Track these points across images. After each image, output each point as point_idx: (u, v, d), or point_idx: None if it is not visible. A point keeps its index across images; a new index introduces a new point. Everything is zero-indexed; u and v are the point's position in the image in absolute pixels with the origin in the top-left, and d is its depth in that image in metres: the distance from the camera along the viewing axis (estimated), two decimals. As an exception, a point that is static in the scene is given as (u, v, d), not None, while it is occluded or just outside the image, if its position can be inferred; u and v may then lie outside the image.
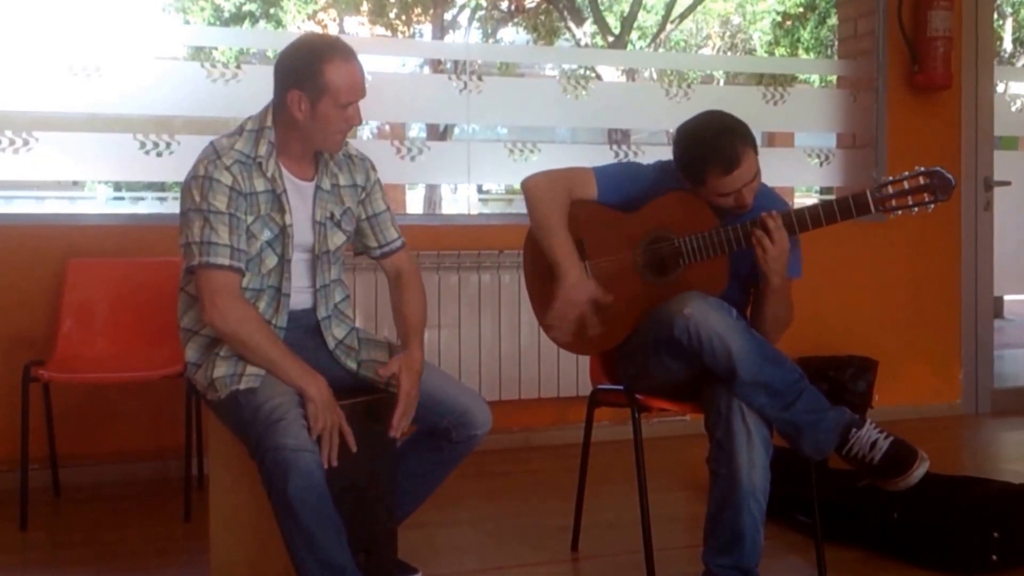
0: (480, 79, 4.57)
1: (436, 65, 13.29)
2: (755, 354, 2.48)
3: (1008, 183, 5.26)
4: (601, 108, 4.92)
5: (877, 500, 3.01)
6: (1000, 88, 5.39)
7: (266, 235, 2.45)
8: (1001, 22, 14.23)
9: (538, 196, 2.78)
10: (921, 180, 2.59)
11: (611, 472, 3.50)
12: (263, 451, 2.24)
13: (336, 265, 2.62)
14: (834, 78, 5.80)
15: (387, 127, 14.36)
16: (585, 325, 2.69)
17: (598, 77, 11.88)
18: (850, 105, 5.17)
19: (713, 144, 2.62)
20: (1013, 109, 5.65)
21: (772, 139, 7.82)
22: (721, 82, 14.97)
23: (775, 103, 5.01)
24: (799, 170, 5.26)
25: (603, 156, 4.77)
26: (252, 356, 2.37)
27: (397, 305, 2.68)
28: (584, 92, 4.78)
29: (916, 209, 2.61)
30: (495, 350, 4.37)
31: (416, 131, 16.20)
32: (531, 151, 4.61)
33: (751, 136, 2.67)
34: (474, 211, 15.53)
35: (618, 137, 10.39)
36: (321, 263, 2.56)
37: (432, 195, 16.84)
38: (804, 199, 15.03)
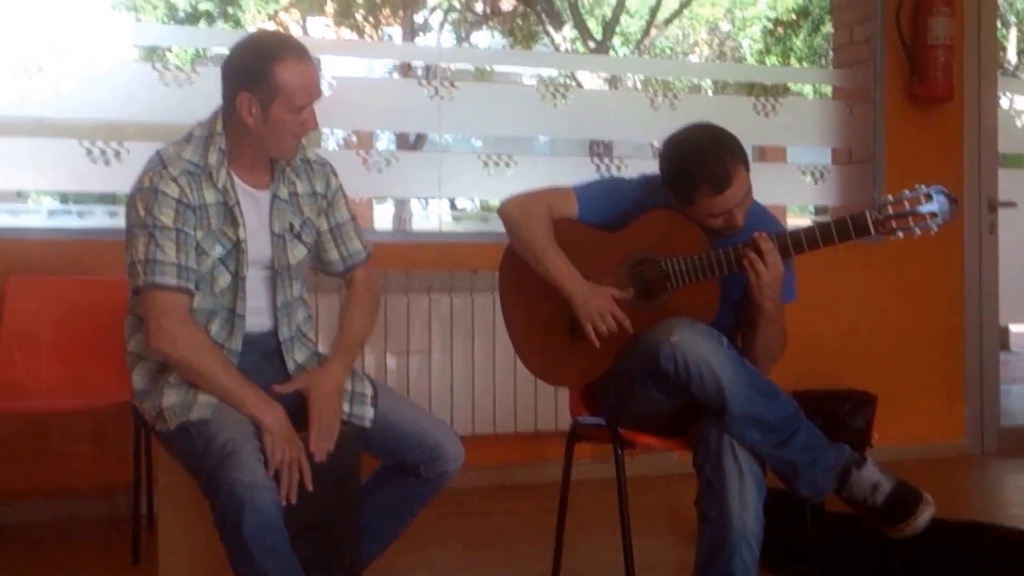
0: (453, 85, 4.56)
1: (406, 70, 13.30)
2: (747, 386, 2.47)
3: (1014, 204, 5.28)
4: (582, 118, 4.90)
5: (879, 547, 2.99)
6: (1004, 102, 5.40)
7: (218, 251, 2.42)
8: (1005, 31, 14.36)
9: (519, 219, 2.77)
10: (923, 200, 2.59)
11: (592, 514, 3.48)
12: (216, 487, 2.20)
13: (298, 281, 2.59)
14: (829, 89, 5.81)
15: (354, 136, 14.35)
16: (621, 325, 2.66)
17: (579, 85, 11.89)
18: (846, 118, 5.19)
19: (702, 161, 2.60)
20: (1019, 124, 5.68)
21: (764, 154, 7.86)
22: (709, 92, 15.10)
23: (766, 115, 5.02)
24: (792, 187, 5.26)
25: (584, 169, 4.79)
26: (203, 384, 2.33)
27: (341, 316, 2.66)
28: (564, 100, 4.78)
29: (919, 231, 2.60)
30: (468, 379, 4.33)
31: (385, 141, 16.20)
32: (507, 164, 4.59)
33: (743, 152, 2.66)
34: (446, 229, 15.54)
35: (600, 150, 10.39)
36: (281, 279, 2.52)
37: (401, 211, 16.83)
38: (797, 220, 15.09)
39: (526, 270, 2.77)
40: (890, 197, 2.61)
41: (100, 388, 3.50)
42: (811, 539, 2.84)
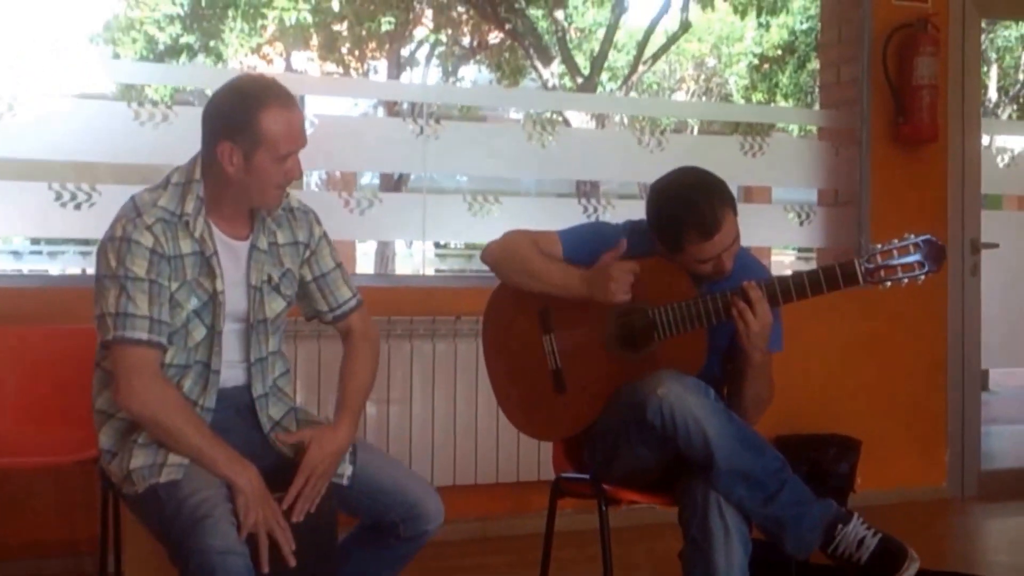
0: (438, 122, 4.52)
1: (391, 107, 13.26)
2: (734, 440, 2.43)
3: (996, 245, 5.27)
4: (569, 157, 4.85)
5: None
6: (985, 141, 5.40)
7: (193, 303, 2.35)
8: (986, 69, 14.45)
9: (505, 251, 2.75)
10: (912, 249, 2.57)
11: (576, 568, 3.40)
12: (186, 553, 2.13)
13: (275, 336, 2.52)
14: (814, 127, 5.81)
15: (337, 175, 14.29)
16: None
17: (566, 122, 11.88)
18: (832, 158, 5.17)
19: (691, 207, 2.57)
20: (1000, 163, 5.66)
21: (749, 194, 7.86)
22: (695, 129, 15.15)
23: (753, 155, 4.99)
24: (778, 228, 5.24)
25: (570, 210, 4.77)
26: (174, 444, 2.26)
27: (341, 370, 2.58)
28: (551, 138, 4.72)
29: (906, 281, 2.59)
30: (449, 428, 4.25)
31: (368, 178, 16.14)
32: (492, 203, 4.54)
33: (731, 196, 2.64)
34: (429, 267, 15.44)
35: (587, 189, 10.36)
36: (257, 333, 2.46)
37: (385, 250, 16.74)
38: (780, 257, 15.09)
39: (510, 321, 2.73)
40: (879, 246, 2.60)
41: (66, 442, 3.36)
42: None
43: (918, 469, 5.18)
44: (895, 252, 2.58)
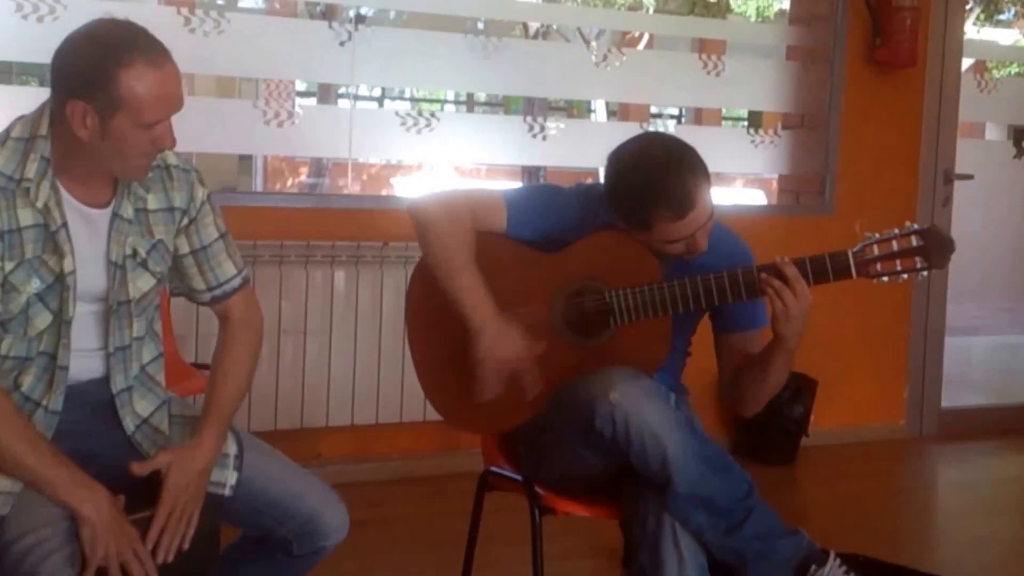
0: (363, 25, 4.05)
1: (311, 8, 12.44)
2: (697, 459, 2.08)
3: (971, 177, 4.95)
4: (514, 71, 4.36)
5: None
6: (965, 64, 5.02)
7: (35, 285, 1.89)
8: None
9: (434, 226, 2.31)
10: (913, 241, 2.22)
11: (505, 548, 3.03)
12: None
13: (141, 318, 2.07)
14: (771, 12, 5.36)
15: (271, 85, 13.44)
16: (522, 387, 2.25)
17: (524, 30, 11.13)
18: (800, 79, 4.76)
19: (659, 182, 2.18)
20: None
21: (699, 116, 7.37)
22: (651, 9, 14.56)
23: (717, 74, 4.57)
24: (735, 153, 4.82)
25: (516, 129, 4.32)
26: (2, 465, 1.84)
27: (213, 365, 2.15)
28: (494, 50, 4.24)
29: (905, 275, 2.24)
30: (373, 364, 3.88)
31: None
32: (427, 123, 4.09)
33: (704, 167, 2.25)
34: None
35: (533, 109, 9.75)
36: (118, 317, 2.00)
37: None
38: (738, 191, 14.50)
39: (440, 294, 2.31)
40: (875, 235, 2.24)
41: None
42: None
43: (876, 407, 4.99)
44: (894, 243, 2.23)
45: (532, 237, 2.35)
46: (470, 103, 18.49)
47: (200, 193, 2.10)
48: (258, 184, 14.39)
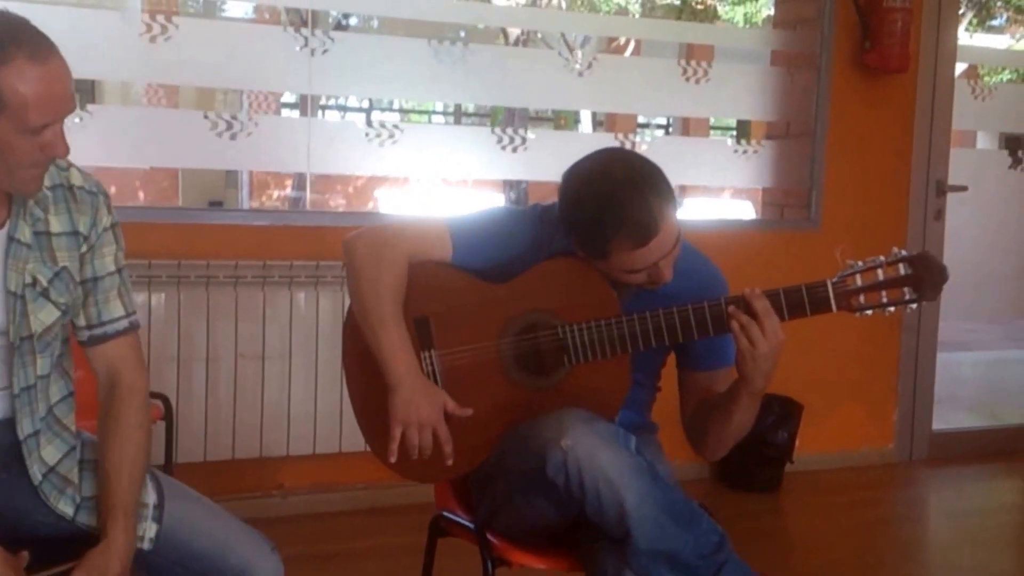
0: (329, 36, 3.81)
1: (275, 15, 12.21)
2: (659, 511, 1.86)
3: (964, 188, 4.74)
4: (485, 80, 4.14)
5: None
6: (959, 69, 4.81)
7: None
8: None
9: (362, 271, 2.12)
10: (901, 269, 2.01)
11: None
12: None
13: (46, 354, 1.85)
14: (759, 18, 5.16)
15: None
16: (438, 452, 2.06)
17: (504, 36, 10.87)
18: (786, 86, 4.55)
19: (619, 205, 1.97)
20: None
21: (686, 126, 7.16)
22: (637, 14, 14.24)
23: (696, 81, 4.36)
24: (718, 165, 4.58)
25: (484, 141, 4.11)
26: None
27: (101, 439, 1.89)
28: (464, 57, 4.04)
29: (892, 308, 2.03)
30: (335, 390, 3.65)
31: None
32: (390, 136, 3.87)
33: (669, 188, 2.03)
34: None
35: (511, 119, 9.50)
36: (21, 354, 1.79)
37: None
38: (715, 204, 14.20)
39: None
40: (859, 263, 2.03)
41: None
42: None
43: (865, 430, 4.77)
44: (879, 272, 2.02)
45: (481, 266, 2.14)
46: (457, 114, 18.28)
47: (104, 219, 1.88)
48: (244, 198, 14.16)
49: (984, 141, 9.87)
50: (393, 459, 2.06)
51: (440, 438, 2.05)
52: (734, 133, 17.15)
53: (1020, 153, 4.88)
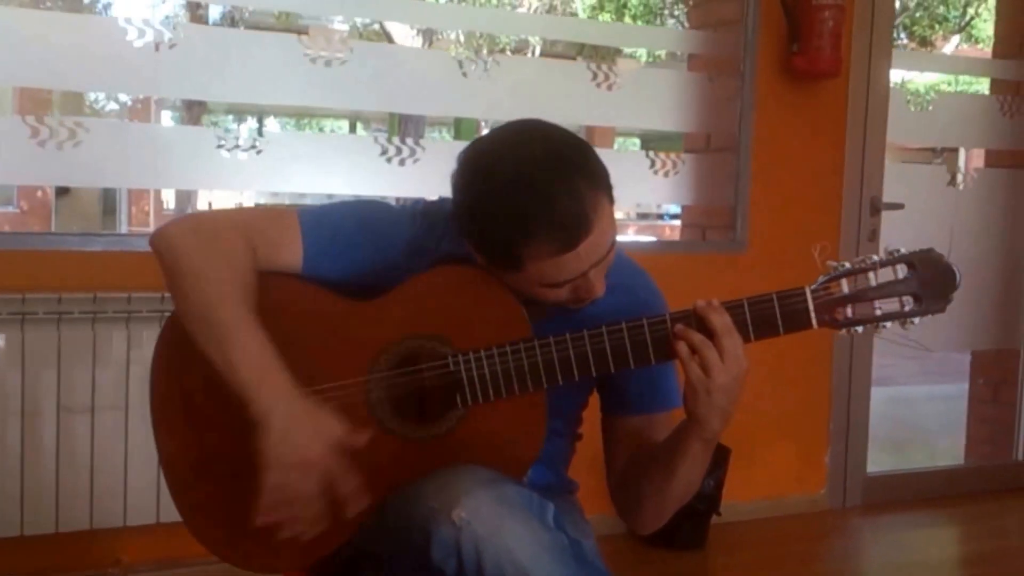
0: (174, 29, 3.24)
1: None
2: None
3: (901, 206, 4.33)
4: (364, 83, 3.58)
5: None
6: (894, 77, 4.41)
7: None
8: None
9: (186, 261, 1.53)
10: (899, 272, 1.56)
11: None
12: None
13: None
14: (664, 53, 4.71)
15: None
16: (335, 500, 1.46)
17: (388, 38, 10.36)
18: (705, 93, 4.09)
19: (539, 198, 1.43)
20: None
21: (592, 135, 6.68)
22: (538, 50, 13.91)
23: (608, 87, 3.87)
24: (630, 182, 4.03)
25: (369, 151, 3.56)
26: None
27: None
28: (339, 55, 3.47)
29: (888, 324, 1.58)
30: (143, 448, 3.05)
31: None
32: (252, 146, 3.31)
33: (603, 172, 1.52)
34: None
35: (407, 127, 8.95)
36: None
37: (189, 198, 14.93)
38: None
39: (196, 367, 1.51)
40: (846, 265, 1.56)
41: None
42: None
43: (795, 475, 4.36)
44: (871, 276, 1.56)
45: (341, 276, 1.60)
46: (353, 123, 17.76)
47: None
48: (123, 223, 13.38)
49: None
50: (274, 519, 1.46)
51: (340, 492, 1.45)
52: (636, 142, 16.81)
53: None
